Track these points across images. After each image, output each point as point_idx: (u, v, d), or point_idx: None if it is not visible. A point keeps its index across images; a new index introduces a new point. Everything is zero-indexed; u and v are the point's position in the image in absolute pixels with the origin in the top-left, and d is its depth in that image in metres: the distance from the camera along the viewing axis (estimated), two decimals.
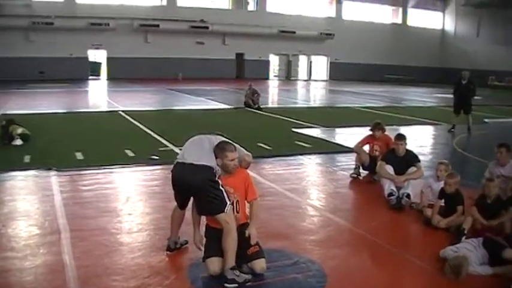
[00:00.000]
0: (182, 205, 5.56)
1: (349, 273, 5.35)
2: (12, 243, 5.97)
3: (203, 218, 5.42)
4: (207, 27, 44.74)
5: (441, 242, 5.98)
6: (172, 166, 5.34)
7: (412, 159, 8.12)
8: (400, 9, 55.53)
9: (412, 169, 7.97)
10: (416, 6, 55.44)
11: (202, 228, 5.44)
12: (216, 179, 5.05)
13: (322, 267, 5.38)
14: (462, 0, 50.87)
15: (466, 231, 6.09)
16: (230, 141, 5.37)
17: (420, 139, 14.34)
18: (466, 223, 6.20)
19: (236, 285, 4.85)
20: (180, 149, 5.57)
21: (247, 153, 5.55)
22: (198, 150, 5.15)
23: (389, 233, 6.80)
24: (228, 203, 5.02)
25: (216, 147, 5.13)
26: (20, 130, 12.16)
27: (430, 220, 6.76)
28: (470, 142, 14.86)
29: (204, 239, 5.36)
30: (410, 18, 56.16)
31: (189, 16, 43.81)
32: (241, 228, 5.18)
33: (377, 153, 9.28)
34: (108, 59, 42.83)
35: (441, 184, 7.00)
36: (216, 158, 5.10)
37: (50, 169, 9.50)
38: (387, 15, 55.82)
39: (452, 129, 15.85)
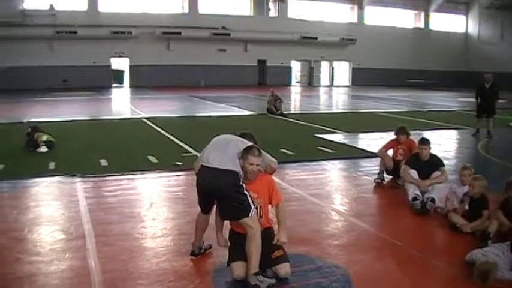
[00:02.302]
0: (206, 210, 5.54)
1: (374, 278, 5.31)
2: (38, 248, 6.04)
3: (226, 223, 5.42)
4: (228, 34, 44.95)
5: (467, 247, 5.89)
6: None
7: (436, 163, 8.02)
8: (423, 14, 55.12)
9: (437, 173, 7.87)
10: (439, 10, 54.90)
11: (226, 232, 5.44)
12: (241, 183, 5.04)
13: (347, 272, 5.35)
14: (485, 3, 50.52)
15: (492, 235, 6.00)
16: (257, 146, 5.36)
17: (444, 143, 14.19)
18: (491, 227, 6.10)
19: None
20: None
21: (273, 160, 5.54)
22: (223, 154, 5.12)
23: (414, 237, 6.74)
24: (253, 207, 5.02)
25: (243, 149, 5.12)
26: (44, 137, 12.30)
27: (455, 225, 6.69)
28: (495, 146, 14.66)
29: (229, 243, 5.35)
30: (432, 22, 55.72)
31: (211, 23, 44.06)
32: (265, 232, 5.17)
33: (401, 157, 9.21)
34: (131, 67, 43.32)
35: (465, 189, 6.93)
36: (240, 158, 5.09)
37: (74, 175, 9.58)
38: (409, 20, 55.49)
39: (477, 133, 15.69)
